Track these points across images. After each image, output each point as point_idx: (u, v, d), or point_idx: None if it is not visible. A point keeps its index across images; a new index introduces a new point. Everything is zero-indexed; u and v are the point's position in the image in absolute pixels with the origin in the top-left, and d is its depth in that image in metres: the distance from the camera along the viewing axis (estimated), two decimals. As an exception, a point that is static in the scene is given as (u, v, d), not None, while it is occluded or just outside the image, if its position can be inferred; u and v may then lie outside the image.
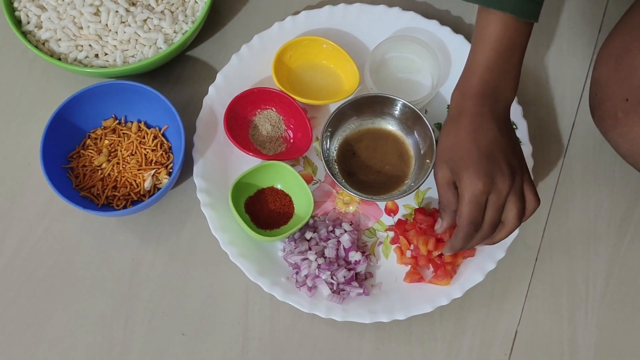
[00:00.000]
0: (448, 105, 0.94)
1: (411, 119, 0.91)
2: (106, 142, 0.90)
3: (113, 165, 0.89)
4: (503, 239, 0.79)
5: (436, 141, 0.90)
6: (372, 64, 0.95)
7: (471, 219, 0.75)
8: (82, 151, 0.90)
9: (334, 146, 0.93)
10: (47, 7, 0.91)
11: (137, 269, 0.89)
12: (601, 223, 0.93)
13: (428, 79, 0.96)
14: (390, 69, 0.97)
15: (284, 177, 0.90)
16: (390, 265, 0.89)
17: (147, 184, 0.88)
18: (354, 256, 0.87)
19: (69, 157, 0.90)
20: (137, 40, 0.90)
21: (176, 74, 0.97)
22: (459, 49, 0.96)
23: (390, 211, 0.92)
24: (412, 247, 0.88)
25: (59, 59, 0.90)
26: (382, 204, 0.92)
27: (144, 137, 0.91)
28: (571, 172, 0.95)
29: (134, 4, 0.91)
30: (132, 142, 0.90)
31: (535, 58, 1.00)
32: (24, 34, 0.91)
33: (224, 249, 0.86)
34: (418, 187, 0.88)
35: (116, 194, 0.88)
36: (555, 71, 0.99)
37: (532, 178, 0.80)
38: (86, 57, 0.90)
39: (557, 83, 0.99)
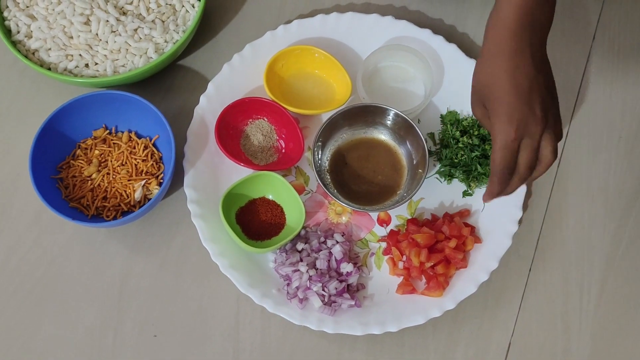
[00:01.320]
0: (442, 116, 0.94)
1: (403, 128, 0.91)
2: (96, 152, 0.89)
3: (103, 176, 0.88)
4: (542, 174, 0.76)
5: (429, 152, 0.89)
6: (365, 73, 0.94)
7: (504, 164, 0.73)
8: (72, 161, 0.89)
9: (326, 156, 0.92)
10: (37, 17, 0.90)
11: (126, 280, 0.88)
12: (595, 232, 0.92)
13: (421, 88, 0.96)
14: (383, 78, 0.96)
15: (276, 188, 0.89)
16: (382, 276, 0.88)
17: (138, 195, 0.88)
18: (346, 267, 0.86)
19: (59, 168, 0.89)
20: (127, 49, 0.90)
21: (167, 83, 0.97)
22: (452, 58, 0.96)
23: (383, 222, 0.91)
24: (404, 258, 0.87)
25: (49, 69, 0.90)
26: (374, 215, 0.91)
27: (134, 147, 0.90)
28: (565, 181, 0.94)
29: (124, 13, 0.91)
30: (123, 152, 0.89)
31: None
32: (14, 43, 0.90)
33: (214, 260, 0.85)
34: (411, 198, 0.87)
35: (106, 204, 0.88)
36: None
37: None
38: (76, 66, 0.90)
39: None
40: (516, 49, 0.73)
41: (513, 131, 0.72)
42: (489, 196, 0.77)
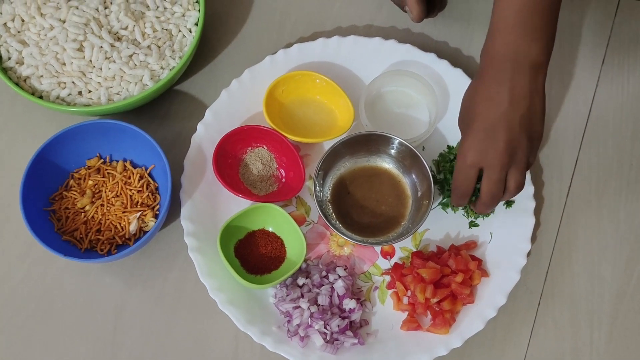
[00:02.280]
0: (449, 147, 0.91)
1: (408, 158, 0.88)
2: (90, 182, 0.86)
3: (97, 208, 0.85)
4: (507, 199, 0.79)
5: (434, 180, 0.86)
6: (368, 98, 0.91)
7: (457, 185, 0.78)
8: (64, 192, 0.86)
9: (327, 186, 0.89)
10: (28, 42, 0.87)
11: (121, 315, 0.85)
12: (605, 265, 0.89)
13: (425, 115, 0.93)
14: (387, 104, 0.94)
15: (276, 220, 0.86)
16: (386, 311, 0.85)
17: (133, 227, 0.85)
18: (349, 304, 0.83)
19: (51, 199, 0.86)
20: (122, 77, 0.87)
21: (163, 110, 0.94)
22: (457, 82, 0.93)
23: (387, 254, 0.88)
24: (409, 293, 0.84)
25: (41, 97, 0.87)
26: (377, 247, 0.88)
27: (129, 178, 0.87)
28: (574, 212, 0.91)
29: (119, 39, 0.88)
30: (117, 182, 0.86)
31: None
32: (5, 70, 0.87)
33: (212, 295, 0.82)
34: (416, 230, 0.84)
35: (100, 237, 0.85)
36: (558, 106, 0.96)
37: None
38: (69, 94, 0.87)
39: (560, 119, 0.95)
40: (495, 81, 0.73)
41: (470, 157, 0.75)
42: (453, 204, 0.83)
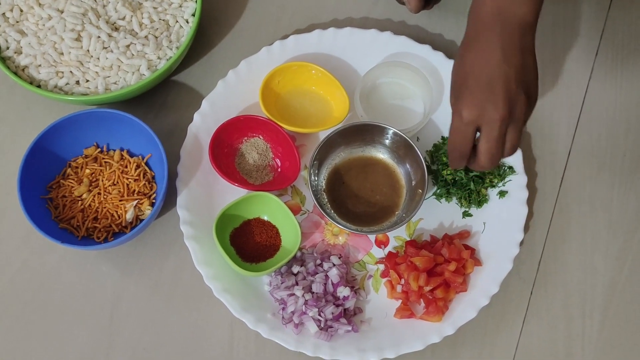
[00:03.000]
0: (444, 138, 0.92)
1: (403, 148, 0.88)
2: (87, 171, 0.87)
3: (94, 196, 0.86)
4: (505, 157, 0.77)
5: (428, 170, 0.87)
6: (363, 90, 0.92)
7: (453, 146, 0.75)
8: (62, 181, 0.87)
9: (322, 175, 0.90)
10: (27, 32, 0.88)
11: (117, 303, 0.86)
12: (598, 255, 0.90)
13: (420, 106, 0.94)
14: (382, 95, 0.94)
15: (271, 208, 0.87)
16: (380, 299, 0.86)
17: (129, 215, 0.85)
18: (343, 291, 0.84)
19: (49, 187, 0.87)
20: (119, 66, 0.88)
21: (160, 100, 0.94)
22: (452, 74, 0.93)
23: (381, 243, 0.89)
24: (402, 281, 0.85)
25: (39, 86, 0.88)
26: (372, 236, 0.89)
27: (126, 167, 0.88)
28: (567, 202, 0.92)
29: (116, 29, 0.89)
30: (114, 171, 0.87)
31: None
32: (3, 59, 0.88)
33: (207, 283, 0.83)
34: (410, 219, 0.85)
35: (97, 225, 0.85)
36: (551, 97, 0.96)
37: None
38: (67, 84, 0.87)
39: (553, 110, 0.96)
40: (484, 37, 0.73)
41: (466, 114, 0.72)
42: (451, 166, 0.80)
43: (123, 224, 0.86)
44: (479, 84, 0.72)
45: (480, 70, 0.72)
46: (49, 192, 0.86)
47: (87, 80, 0.88)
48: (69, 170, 0.88)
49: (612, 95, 0.97)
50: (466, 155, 0.76)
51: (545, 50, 0.98)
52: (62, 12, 0.87)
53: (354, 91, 0.92)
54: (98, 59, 0.87)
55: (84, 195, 0.86)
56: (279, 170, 0.91)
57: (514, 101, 0.72)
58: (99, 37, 0.87)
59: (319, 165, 0.89)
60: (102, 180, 0.87)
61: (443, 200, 0.90)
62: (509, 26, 0.73)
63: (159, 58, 0.89)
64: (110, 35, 0.87)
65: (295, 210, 0.89)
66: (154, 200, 0.87)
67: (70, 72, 0.87)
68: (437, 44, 0.98)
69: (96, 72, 0.88)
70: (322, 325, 0.82)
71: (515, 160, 0.89)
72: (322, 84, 0.93)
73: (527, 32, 0.73)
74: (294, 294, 0.83)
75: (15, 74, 0.87)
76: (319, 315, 0.82)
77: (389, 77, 0.94)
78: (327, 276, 0.84)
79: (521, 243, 0.87)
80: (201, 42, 0.97)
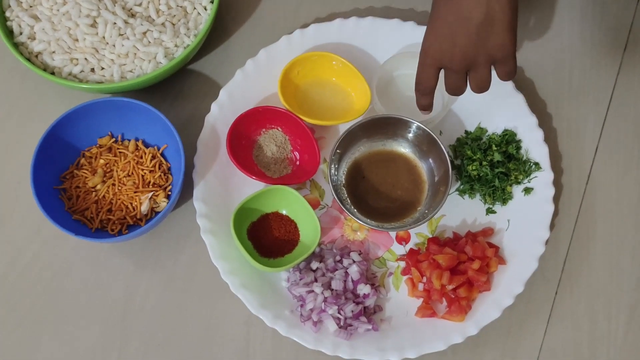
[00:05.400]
0: (467, 132, 0.90)
1: (426, 142, 0.86)
2: (101, 161, 0.85)
3: (108, 187, 0.84)
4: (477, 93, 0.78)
5: (451, 165, 0.84)
6: (380, 81, 0.90)
7: (418, 81, 0.79)
8: (75, 171, 0.85)
9: (342, 169, 0.87)
10: (41, 17, 0.85)
11: (131, 297, 0.84)
12: (624, 255, 0.88)
13: (438, 97, 0.90)
14: (399, 87, 0.91)
15: (290, 202, 0.85)
16: (400, 298, 0.84)
17: (144, 208, 0.83)
18: (363, 289, 0.81)
19: (62, 177, 0.84)
20: (135, 54, 0.85)
21: (176, 89, 0.92)
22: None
23: (402, 239, 0.87)
24: (424, 279, 0.83)
25: (53, 73, 0.85)
26: (393, 232, 0.87)
27: (141, 157, 0.85)
28: (593, 200, 0.89)
29: (133, 16, 0.86)
30: (129, 162, 0.85)
31: (558, 78, 0.94)
32: (16, 45, 0.85)
33: (224, 279, 0.81)
34: (432, 216, 0.83)
35: (111, 217, 0.83)
36: (578, 93, 0.94)
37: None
38: (81, 71, 0.85)
39: (580, 105, 0.93)
40: None
41: (429, 58, 0.76)
42: (419, 108, 0.83)
43: (138, 217, 0.83)
44: (442, 31, 0.74)
45: (446, 17, 0.73)
46: (62, 183, 0.84)
47: (102, 68, 0.85)
48: (82, 160, 0.85)
49: (641, 91, 0.94)
50: (430, 92, 0.79)
51: (573, 44, 0.95)
52: (77, -3, 0.85)
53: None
54: (114, 46, 0.85)
55: (98, 186, 0.84)
56: (298, 163, 0.89)
57: (473, 55, 0.73)
58: (114, 23, 0.84)
59: (339, 159, 0.86)
60: (117, 171, 0.84)
61: (466, 196, 0.88)
62: None
63: (176, 46, 0.86)
64: (126, 22, 0.85)
65: (314, 205, 0.87)
66: (169, 193, 0.85)
67: (85, 59, 0.85)
68: (461, 35, 0.95)
69: (112, 59, 0.85)
70: (341, 323, 0.80)
71: (541, 156, 0.87)
72: (343, 75, 0.90)
73: None
74: (312, 291, 0.81)
75: (29, 60, 0.85)
76: (339, 313, 0.80)
77: (407, 69, 0.91)
78: (346, 273, 0.82)
79: (546, 242, 0.85)
80: (219, 30, 0.94)
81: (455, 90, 0.78)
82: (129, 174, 0.85)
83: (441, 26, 0.74)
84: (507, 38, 0.72)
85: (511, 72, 0.75)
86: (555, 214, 0.88)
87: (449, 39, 0.73)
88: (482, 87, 0.77)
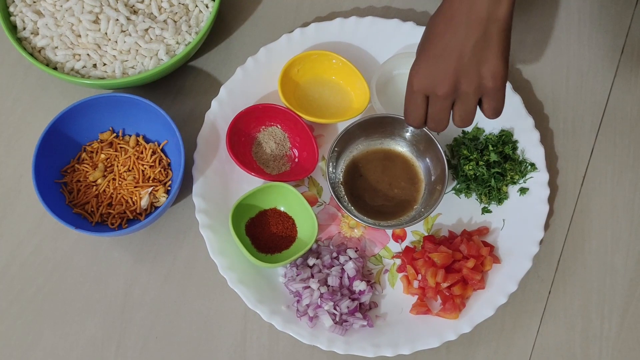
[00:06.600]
0: (465, 132, 0.91)
1: (423, 142, 0.87)
2: (102, 156, 0.86)
3: (109, 181, 0.85)
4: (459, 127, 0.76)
5: (448, 165, 0.85)
6: (379, 80, 0.90)
7: (406, 108, 0.76)
8: (76, 165, 0.86)
9: (340, 167, 0.88)
10: (44, 13, 0.86)
11: (130, 290, 0.85)
12: (618, 256, 0.89)
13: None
14: (398, 86, 0.92)
15: (288, 199, 0.86)
16: (396, 294, 0.85)
17: (144, 202, 0.84)
18: (359, 286, 0.82)
19: (63, 171, 0.85)
20: (137, 50, 0.86)
21: (177, 85, 0.93)
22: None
23: (398, 237, 0.88)
24: (419, 277, 0.84)
25: (55, 68, 0.86)
26: (389, 230, 0.88)
27: (142, 152, 0.86)
28: (588, 201, 0.90)
29: (135, 12, 0.87)
30: (130, 157, 0.86)
31: (555, 80, 0.95)
32: (19, 40, 0.86)
33: (222, 274, 0.82)
34: (429, 214, 0.84)
35: (111, 211, 0.84)
36: (575, 95, 0.95)
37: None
38: (84, 67, 0.86)
39: (577, 107, 0.94)
40: (447, 12, 0.71)
41: (415, 84, 0.73)
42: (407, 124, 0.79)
43: (137, 211, 0.84)
44: (434, 54, 0.72)
45: (441, 38, 0.71)
46: (64, 177, 0.85)
47: (105, 64, 0.86)
48: (84, 154, 0.86)
49: (637, 94, 0.95)
50: (419, 119, 0.76)
51: (570, 46, 0.96)
52: (80, -7, 0.86)
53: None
54: (116, 42, 0.86)
55: (99, 181, 0.85)
56: (297, 160, 0.90)
57: (461, 79, 0.71)
58: (117, 19, 0.85)
59: (337, 157, 0.87)
60: (117, 166, 0.86)
61: (462, 195, 0.89)
62: (475, 6, 0.69)
63: (177, 43, 0.87)
64: (128, 19, 0.86)
65: (312, 202, 0.88)
66: (169, 188, 0.86)
67: (88, 55, 0.86)
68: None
69: (114, 55, 0.86)
70: (337, 319, 0.81)
71: (537, 157, 0.88)
72: (343, 74, 0.91)
73: (500, 1, 0.69)
74: (309, 287, 0.82)
75: (32, 55, 0.86)
76: (334, 309, 0.81)
77: (406, 68, 0.92)
78: (343, 269, 0.83)
79: (541, 242, 0.85)
80: (220, 28, 0.95)
81: (437, 122, 0.75)
82: (130, 168, 0.86)
83: (433, 50, 0.71)
84: (501, 66, 0.71)
85: (498, 109, 0.73)
86: (550, 214, 0.89)
87: (440, 63, 0.71)
88: (465, 120, 0.74)
